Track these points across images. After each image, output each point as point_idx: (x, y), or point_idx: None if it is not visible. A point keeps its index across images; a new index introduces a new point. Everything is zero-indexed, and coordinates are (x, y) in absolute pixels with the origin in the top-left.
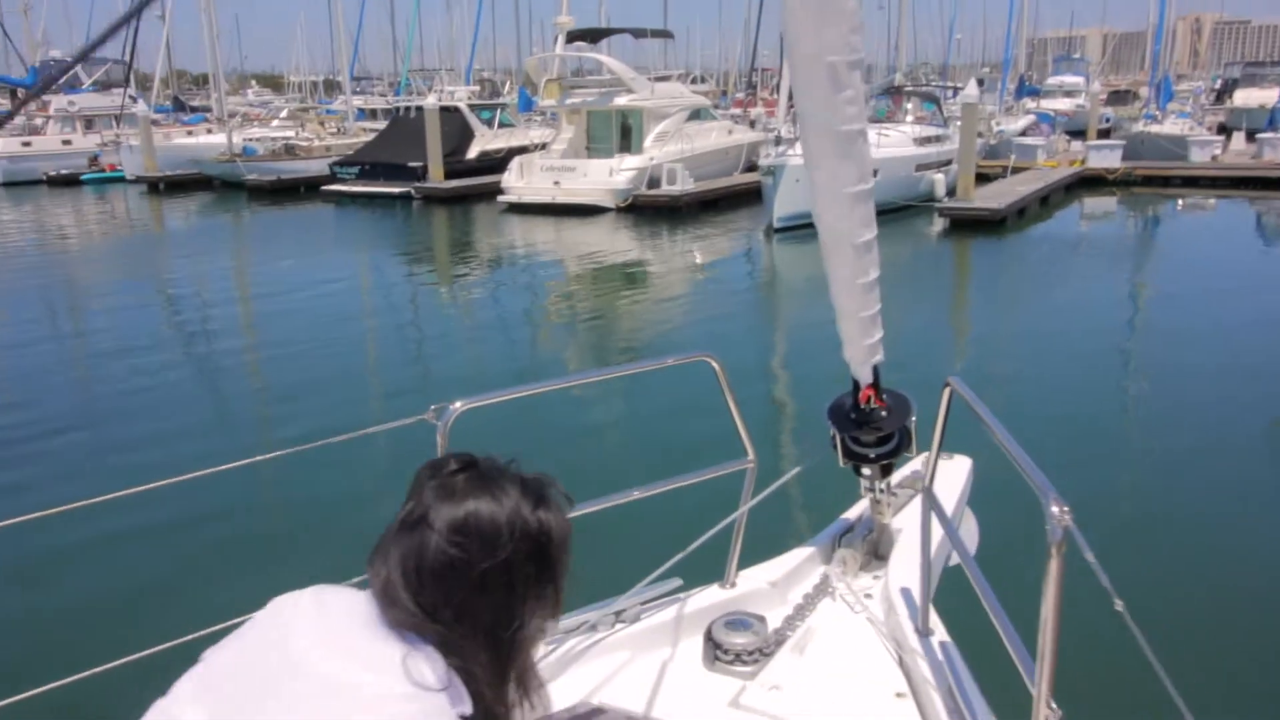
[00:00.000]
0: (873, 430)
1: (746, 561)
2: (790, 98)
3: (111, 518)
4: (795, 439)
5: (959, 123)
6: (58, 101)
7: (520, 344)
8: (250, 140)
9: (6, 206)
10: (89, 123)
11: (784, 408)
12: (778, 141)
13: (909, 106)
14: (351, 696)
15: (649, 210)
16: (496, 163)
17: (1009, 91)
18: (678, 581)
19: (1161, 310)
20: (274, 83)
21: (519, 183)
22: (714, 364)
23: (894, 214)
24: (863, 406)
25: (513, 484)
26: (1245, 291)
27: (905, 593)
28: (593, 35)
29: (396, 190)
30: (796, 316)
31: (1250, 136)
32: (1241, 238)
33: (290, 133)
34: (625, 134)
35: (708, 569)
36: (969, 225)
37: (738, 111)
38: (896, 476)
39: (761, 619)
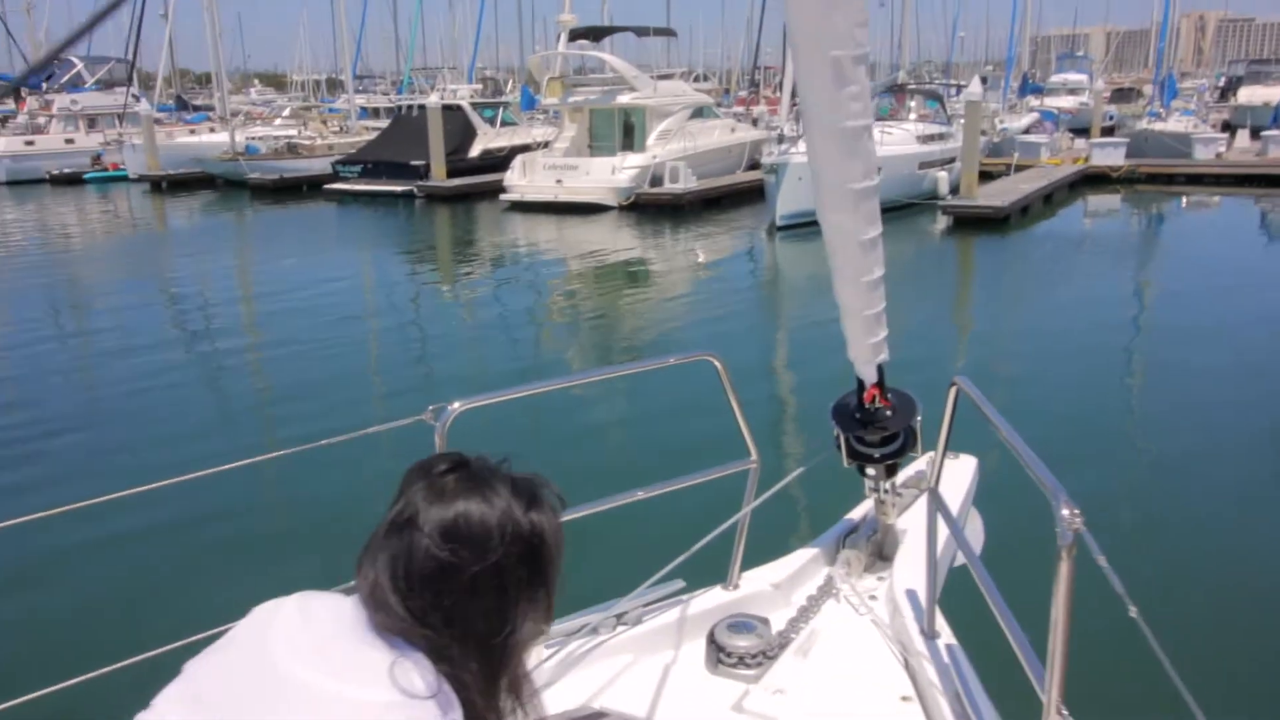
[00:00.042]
0: (878, 430)
1: (749, 563)
2: (793, 95)
3: (107, 518)
4: (799, 439)
5: (962, 121)
6: (61, 100)
7: (522, 343)
8: (253, 139)
9: (10, 205)
10: (92, 122)
11: (787, 407)
12: (780, 139)
13: (912, 105)
14: (337, 706)
15: (651, 209)
16: (499, 161)
17: (1012, 89)
18: (680, 583)
19: (1166, 308)
20: (277, 81)
21: (521, 181)
22: (716, 363)
23: (897, 212)
24: (867, 406)
25: (504, 485)
26: (1250, 289)
27: (910, 594)
28: (595, 33)
29: (399, 189)
30: (800, 315)
31: (1255, 134)
32: (1246, 235)
33: (293, 131)
34: (628, 132)
35: (710, 570)
36: (972, 223)
37: (740, 110)
38: (900, 476)
39: (765, 621)
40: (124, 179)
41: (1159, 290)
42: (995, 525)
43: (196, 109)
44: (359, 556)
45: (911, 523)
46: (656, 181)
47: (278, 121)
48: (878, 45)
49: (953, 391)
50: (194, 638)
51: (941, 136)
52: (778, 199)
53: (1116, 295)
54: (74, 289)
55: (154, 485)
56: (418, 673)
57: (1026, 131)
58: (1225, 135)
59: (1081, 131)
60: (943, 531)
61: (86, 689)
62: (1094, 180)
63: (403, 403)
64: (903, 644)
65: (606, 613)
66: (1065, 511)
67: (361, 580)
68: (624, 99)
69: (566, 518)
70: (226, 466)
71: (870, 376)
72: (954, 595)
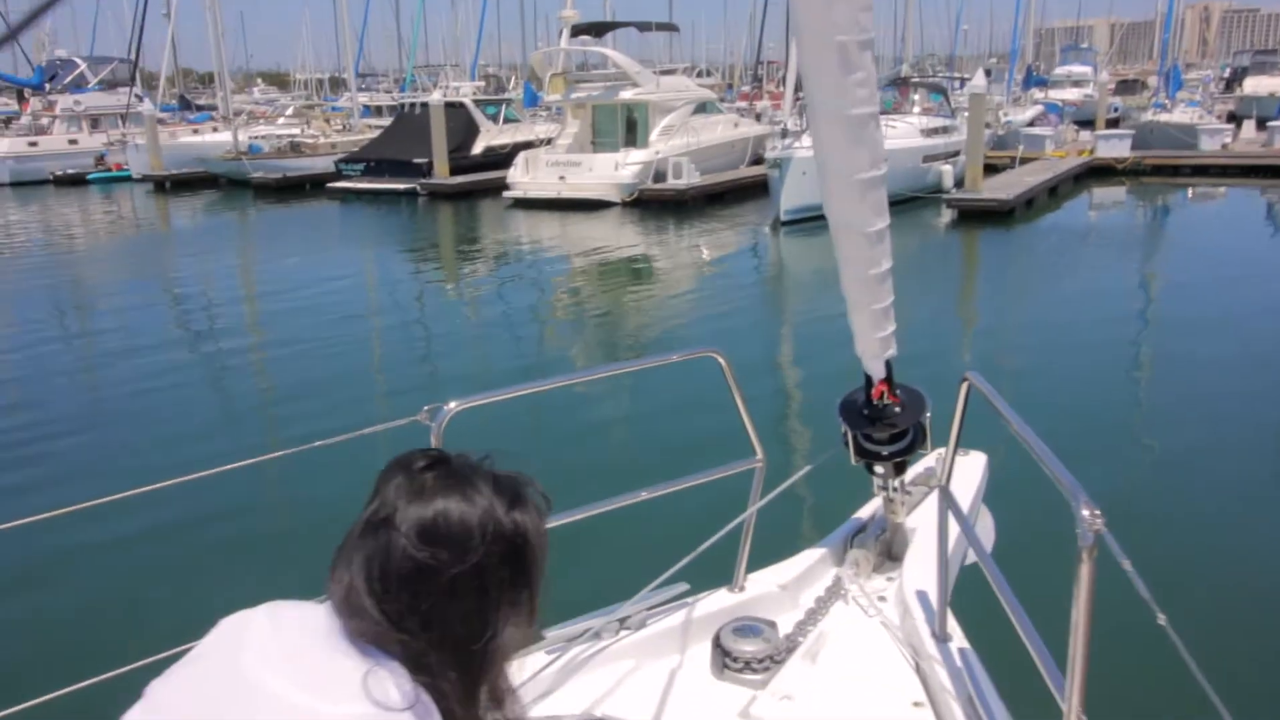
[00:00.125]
0: (886, 427)
1: (755, 564)
2: (797, 89)
3: (108, 519)
4: (805, 436)
5: (966, 114)
6: (64, 101)
7: (526, 340)
8: (256, 138)
9: (13, 206)
10: (95, 122)
11: (793, 404)
12: (784, 134)
13: (916, 98)
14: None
15: (655, 204)
16: (502, 158)
17: (1016, 82)
18: (684, 586)
19: (1172, 300)
20: (279, 80)
21: (524, 178)
22: (721, 360)
23: (901, 206)
24: (876, 402)
25: (486, 482)
26: (1256, 280)
27: (921, 595)
28: (598, 29)
29: (402, 187)
30: (805, 310)
31: (1260, 124)
32: (1252, 226)
33: (296, 130)
34: (630, 128)
35: (715, 572)
36: (977, 216)
37: (743, 104)
38: (910, 474)
39: (772, 624)
40: (128, 179)
41: (1165, 282)
42: (1005, 522)
43: (199, 108)
44: (333, 560)
45: (921, 521)
46: (660, 177)
47: (281, 120)
48: (881, 38)
49: (964, 387)
50: (184, 645)
51: (946, 130)
52: (782, 193)
53: (1122, 287)
54: (78, 290)
55: (154, 486)
56: (393, 682)
57: (1031, 124)
58: (1231, 126)
59: (1086, 124)
60: (953, 530)
61: (87, 692)
62: (1099, 172)
63: (406, 401)
64: (914, 647)
65: (609, 617)
66: (1086, 512)
67: (335, 585)
68: (627, 95)
69: (567, 520)
70: (224, 468)
71: (878, 372)
72: (965, 595)
